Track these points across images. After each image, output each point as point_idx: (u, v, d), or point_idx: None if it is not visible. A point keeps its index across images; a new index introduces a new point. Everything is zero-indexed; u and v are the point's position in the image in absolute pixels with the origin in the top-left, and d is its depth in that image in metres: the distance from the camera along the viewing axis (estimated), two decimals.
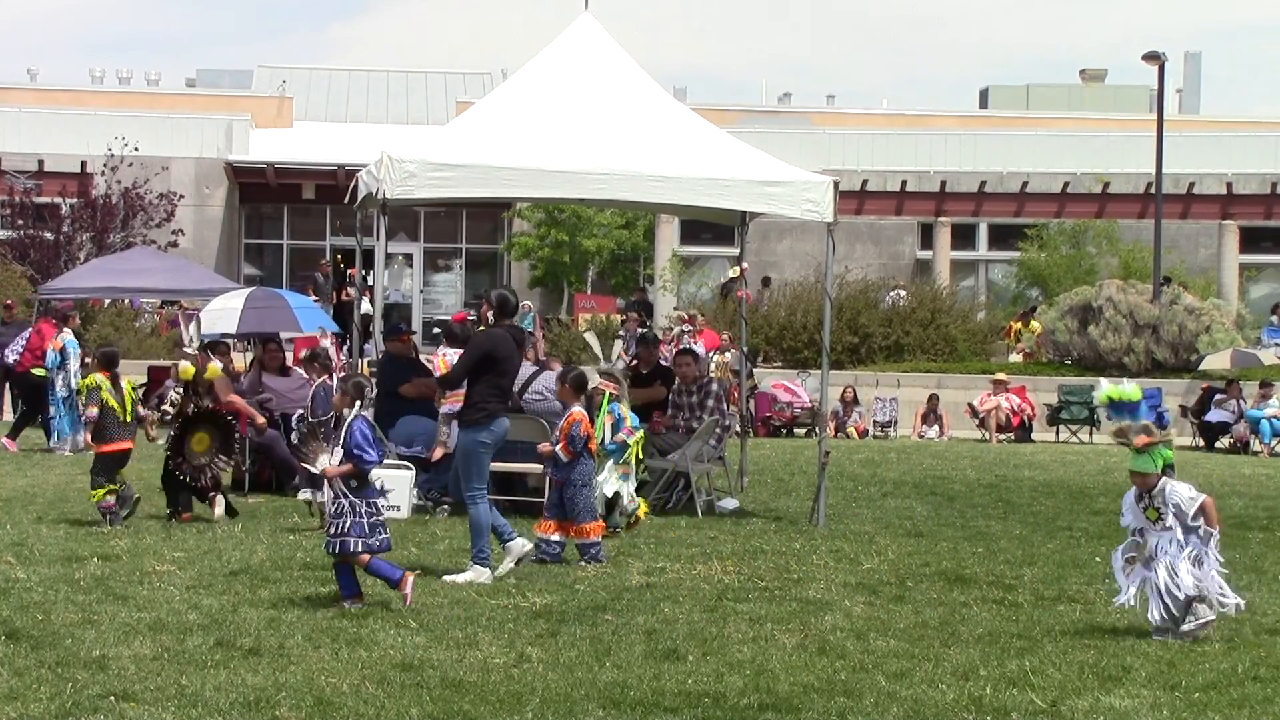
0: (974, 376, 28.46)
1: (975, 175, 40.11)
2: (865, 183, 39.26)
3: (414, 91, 48.02)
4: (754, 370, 25.59)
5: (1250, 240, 40.32)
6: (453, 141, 14.54)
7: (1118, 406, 9.11)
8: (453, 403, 12.81)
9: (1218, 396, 26.08)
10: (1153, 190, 34.33)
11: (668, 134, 14.40)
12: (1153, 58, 32.34)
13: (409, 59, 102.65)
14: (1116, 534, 13.62)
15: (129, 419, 13.02)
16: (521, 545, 10.75)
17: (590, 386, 12.20)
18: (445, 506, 13.85)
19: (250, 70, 51.13)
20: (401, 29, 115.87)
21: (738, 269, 31.62)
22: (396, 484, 13.44)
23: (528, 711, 7.07)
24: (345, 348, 18.01)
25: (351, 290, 30.78)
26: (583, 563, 11.15)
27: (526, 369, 14.34)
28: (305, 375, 16.59)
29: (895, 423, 26.86)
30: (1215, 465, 22.02)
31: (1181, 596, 8.81)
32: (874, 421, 26.91)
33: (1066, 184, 39.87)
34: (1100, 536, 13.47)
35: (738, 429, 16.86)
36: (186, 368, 13.64)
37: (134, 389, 13.55)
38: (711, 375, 20.36)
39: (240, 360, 19.95)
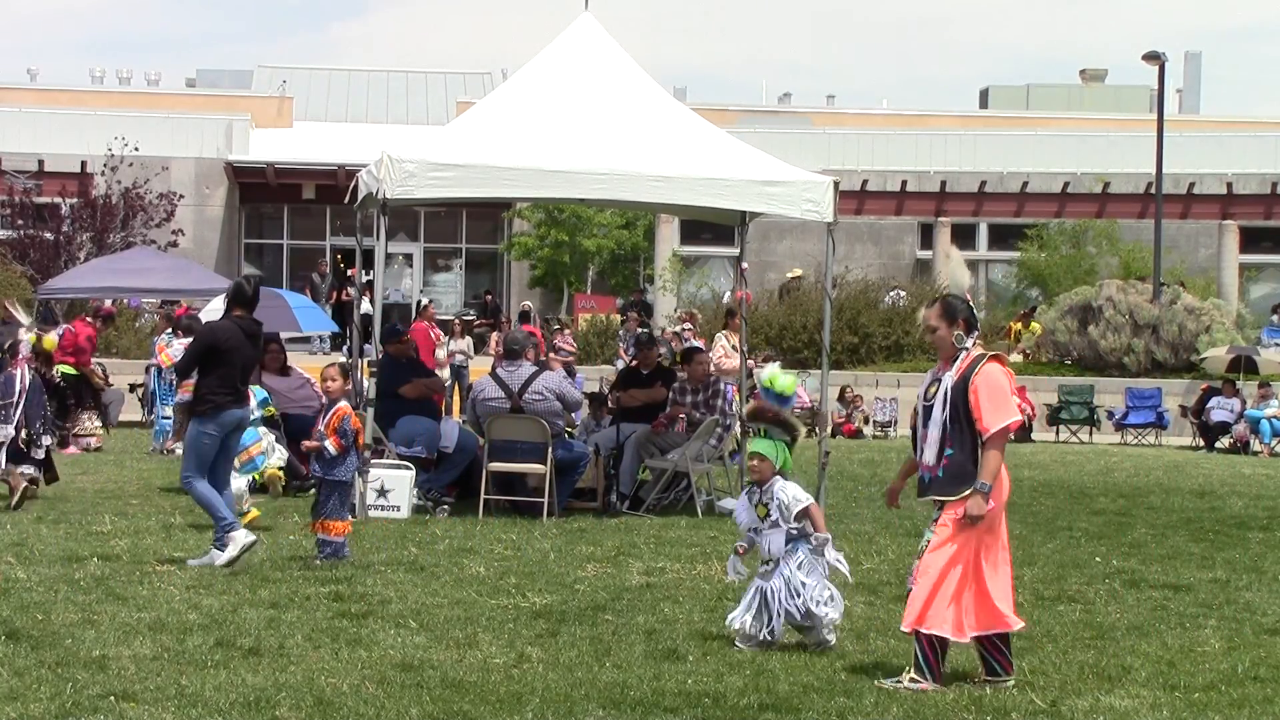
0: None
1: (975, 175, 40.11)
2: (865, 183, 39.27)
3: (414, 91, 48.02)
4: (753, 370, 25.59)
5: (1250, 240, 40.32)
6: (453, 141, 14.53)
7: (771, 395, 8.89)
8: (185, 393, 12.98)
9: (1216, 398, 26.10)
10: (1153, 190, 34.35)
11: (668, 134, 14.39)
12: (1153, 58, 32.37)
13: (409, 59, 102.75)
14: (1116, 534, 13.67)
15: None
16: (220, 558, 10.61)
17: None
18: (445, 507, 13.85)
19: (250, 70, 51.14)
20: (401, 29, 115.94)
21: (798, 270, 31.80)
22: (396, 484, 13.52)
23: (528, 711, 7.07)
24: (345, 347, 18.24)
25: (351, 290, 30.80)
26: (318, 560, 10.78)
27: (526, 369, 14.33)
28: (304, 375, 16.66)
29: (895, 423, 26.86)
30: (1215, 465, 22.02)
31: (802, 610, 8.36)
32: (874, 421, 26.92)
33: (1066, 184, 39.88)
34: (1100, 536, 13.47)
35: (738, 429, 16.84)
36: (50, 339, 14.24)
37: None
38: (715, 374, 20.40)
39: None
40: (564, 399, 14.27)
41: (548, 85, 14.61)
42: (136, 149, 35.53)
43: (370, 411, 13.67)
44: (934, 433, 7.73)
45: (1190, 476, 19.76)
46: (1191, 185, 39.60)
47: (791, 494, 8.55)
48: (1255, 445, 25.17)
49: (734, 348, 20.66)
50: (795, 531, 8.52)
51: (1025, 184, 39.97)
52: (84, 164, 36.58)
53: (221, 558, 10.61)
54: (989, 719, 7.19)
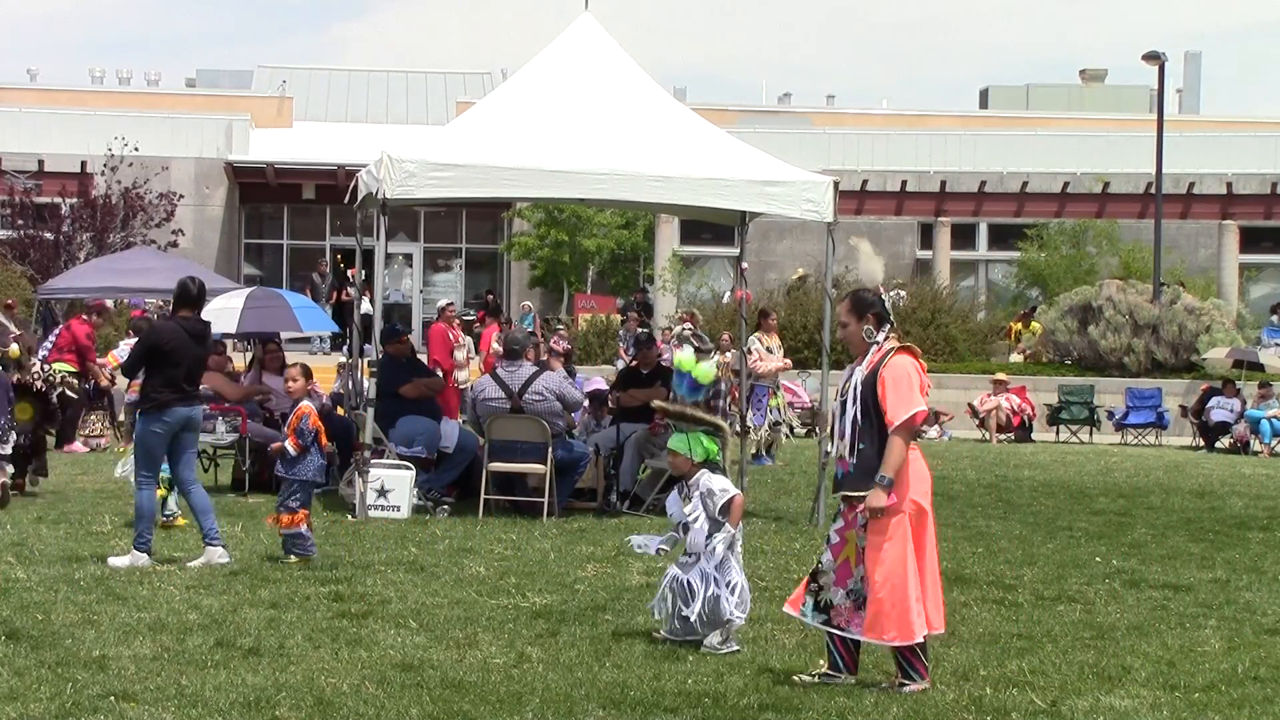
0: (974, 376, 28.45)
1: (975, 175, 40.11)
2: (865, 183, 39.26)
3: (414, 91, 48.02)
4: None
5: (1250, 240, 40.33)
6: (453, 141, 14.53)
7: (685, 378, 8.87)
8: (133, 392, 13.08)
9: (1216, 398, 26.08)
10: (1153, 190, 34.34)
11: (668, 134, 14.38)
12: (1153, 58, 32.36)
13: (409, 59, 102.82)
14: (1116, 534, 13.66)
15: None
16: (215, 553, 10.70)
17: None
18: (445, 507, 13.85)
19: (250, 70, 51.14)
20: (401, 29, 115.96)
21: (801, 270, 31.90)
22: (396, 484, 13.52)
23: (528, 711, 7.07)
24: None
25: (351, 290, 30.86)
26: (291, 557, 10.81)
27: (526, 369, 14.33)
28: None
29: None
30: (1215, 465, 22.02)
31: (697, 610, 8.37)
32: None
33: (1066, 184, 39.88)
34: (1100, 536, 13.47)
35: (738, 429, 16.83)
36: (14, 349, 14.58)
37: None
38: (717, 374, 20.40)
39: (240, 360, 19.96)
40: (564, 399, 14.27)
41: (548, 85, 14.60)
42: (136, 149, 35.51)
43: (370, 411, 13.68)
44: (846, 428, 7.68)
45: (1190, 476, 19.75)
46: (1191, 185, 39.60)
47: (719, 484, 8.60)
48: (1255, 445, 25.16)
49: (769, 350, 20.68)
50: (718, 521, 8.53)
51: (1025, 184, 39.97)
52: (84, 164, 36.56)
53: (116, 559, 10.64)
54: (989, 719, 7.19)
